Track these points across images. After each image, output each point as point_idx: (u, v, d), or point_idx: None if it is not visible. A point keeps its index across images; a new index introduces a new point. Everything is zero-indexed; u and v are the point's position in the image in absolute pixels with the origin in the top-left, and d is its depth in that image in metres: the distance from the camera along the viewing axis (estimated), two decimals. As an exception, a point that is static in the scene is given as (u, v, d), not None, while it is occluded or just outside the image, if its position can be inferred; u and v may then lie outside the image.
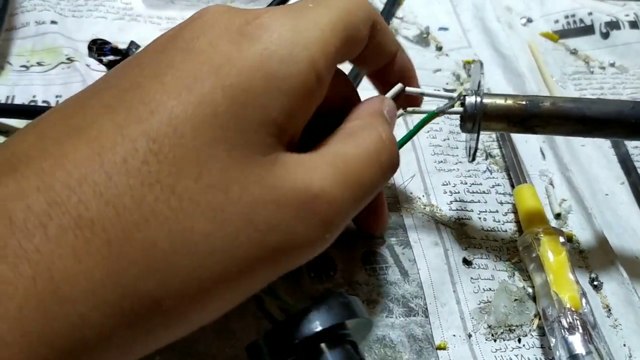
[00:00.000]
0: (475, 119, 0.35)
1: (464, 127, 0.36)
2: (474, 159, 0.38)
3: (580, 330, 0.34)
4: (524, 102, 0.35)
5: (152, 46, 0.26)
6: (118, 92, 0.24)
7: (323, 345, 0.28)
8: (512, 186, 0.44)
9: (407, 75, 0.36)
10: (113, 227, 0.21)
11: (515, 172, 0.44)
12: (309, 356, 0.28)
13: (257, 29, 0.25)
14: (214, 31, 0.25)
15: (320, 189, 0.25)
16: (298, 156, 0.26)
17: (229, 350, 0.34)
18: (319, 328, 0.28)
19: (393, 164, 0.30)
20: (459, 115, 0.36)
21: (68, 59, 0.47)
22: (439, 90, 0.49)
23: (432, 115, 0.36)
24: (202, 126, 0.23)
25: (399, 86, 0.35)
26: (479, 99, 0.35)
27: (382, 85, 0.36)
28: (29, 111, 0.43)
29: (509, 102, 0.35)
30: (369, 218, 0.38)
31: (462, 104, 0.35)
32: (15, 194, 0.21)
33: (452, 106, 0.36)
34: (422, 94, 0.36)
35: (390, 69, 0.35)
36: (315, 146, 0.28)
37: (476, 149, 0.37)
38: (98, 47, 0.48)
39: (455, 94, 0.36)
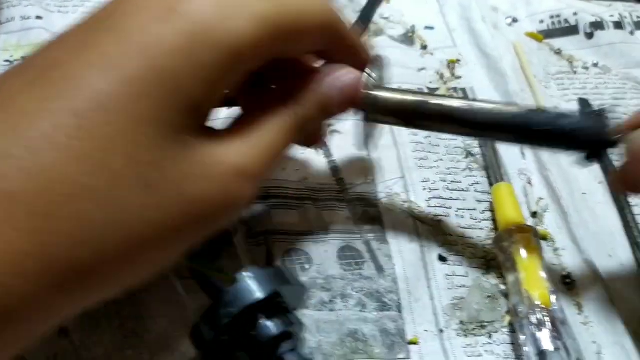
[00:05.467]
0: (369, 110, 0.36)
1: (358, 116, 0.36)
2: (365, 148, 0.38)
3: (549, 327, 0.35)
4: (415, 101, 0.36)
5: (78, 26, 0.26)
6: (40, 70, 0.24)
7: (260, 315, 0.30)
8: (491, 184, 0.45)
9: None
10: (37, 200, 0.22)
11: (493, 171, 0.45)
12: (247, 327, 0.29)
13: (186, 5, 0.26)
14: (144, 11, 0.25)
15: (244, 165, 0.28)
16: (217, 138, 0.28)
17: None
18: (254, 299, 0.29)
19: (298, 138, 0.33)
20: None
21: (54, 54, 0.48)
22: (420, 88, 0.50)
23: None
24: (130, 105, 0.24)
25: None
26: (375, 93, 0.35)
27: None
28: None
29: (400, 97, 0.36)
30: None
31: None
32: None
33: None
34: None
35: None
36: (236, 128, 0.30)
37: (366, 139, 0.38)
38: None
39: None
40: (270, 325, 0.30)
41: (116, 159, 0.23)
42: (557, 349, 0.34)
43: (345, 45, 0.34)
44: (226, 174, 0.27)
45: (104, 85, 0.23)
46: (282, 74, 0.33)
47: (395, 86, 0.38)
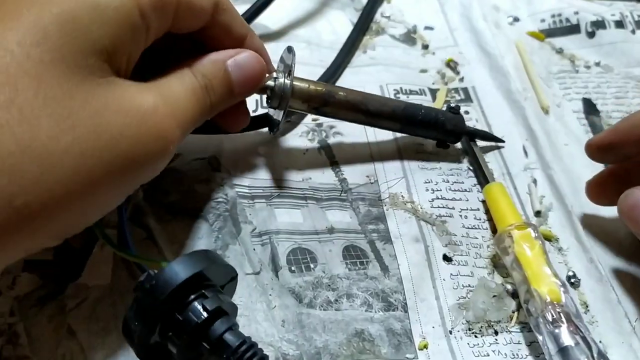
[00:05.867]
0: (282, 98, 0.40)
1: (271, 104, 0.40)
2: (274, 133, 0.43)
3: (565, 323, 0.34)
4: (323, 90, 0.41)
5: None
6: None
7: (189, 297, 0.29)
8: (482, 186, 0.45)
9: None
10: None
11: (481, 172, 0.45)
12: (177, 313, 0.29)
13: None
14: None
15: (156, 104, 0.30)
16: (132, 82, 0.30)
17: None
18: (178, 281, 0.29)
19: (206, 106, 0.34)
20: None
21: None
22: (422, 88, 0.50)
23: None
24: (34, 48, 0.26)
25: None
26: (288, 82, 0.39)
27: None
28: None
29: (312, 88, 0.41)
30: (228, 118, 0.40)
31: (271, 88, 0.40)
32: None
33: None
34: None
35: None
36: (149, 78, 0.32)
37: (279, 125, 0.42)
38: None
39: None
40: (200, 306, 0.29)
41: (23, 95, 0.25)
42: (577, 343, 0.33)
43: (235, 23, 0.36)
44: (142, 109, 0.29)
45: (7, 33, 0.26)
46: (188, 51, 0.36)
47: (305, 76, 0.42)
